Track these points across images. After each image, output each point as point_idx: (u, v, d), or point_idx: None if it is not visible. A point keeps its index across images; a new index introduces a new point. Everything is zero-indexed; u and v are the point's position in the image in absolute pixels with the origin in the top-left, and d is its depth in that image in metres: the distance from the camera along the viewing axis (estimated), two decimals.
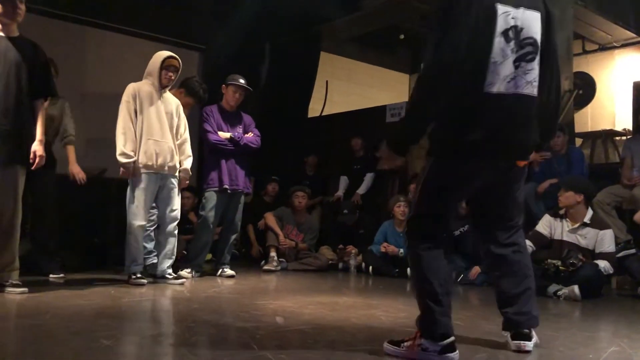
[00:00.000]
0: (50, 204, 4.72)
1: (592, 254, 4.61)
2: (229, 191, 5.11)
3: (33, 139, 3.74)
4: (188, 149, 4.75)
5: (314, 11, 8.19)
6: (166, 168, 4.49)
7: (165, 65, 4.50)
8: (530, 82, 2.36)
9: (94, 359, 2.16)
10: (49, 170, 4.65)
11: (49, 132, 4.56)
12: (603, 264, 4.50)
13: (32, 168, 3.75)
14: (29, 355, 2.13)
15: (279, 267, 6.00)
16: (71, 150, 4.88)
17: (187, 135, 4.75)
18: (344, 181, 7.47)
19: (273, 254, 6.06)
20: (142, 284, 4.29)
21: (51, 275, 4.54)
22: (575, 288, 4.28)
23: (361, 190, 7.13)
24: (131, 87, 4.49)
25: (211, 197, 5.08)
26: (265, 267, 5.94)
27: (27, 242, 4.68)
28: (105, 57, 7.36)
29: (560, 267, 4.46)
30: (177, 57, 4.57)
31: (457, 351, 2.26)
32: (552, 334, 3.04)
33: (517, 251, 2.53)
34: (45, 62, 3.85)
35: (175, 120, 4.63)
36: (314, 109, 9.09)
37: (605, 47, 9.13)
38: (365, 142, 7.37)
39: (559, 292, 4.39)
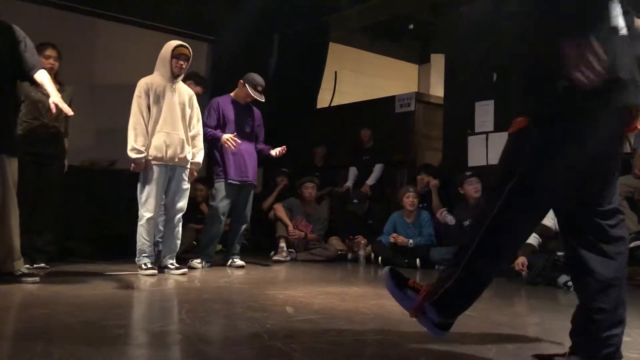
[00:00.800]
0: (55, 193, 4.71)
1: None
2: (237, 183, 5.12)
3: (15, 126, 3.78)
4: (200, 141, 4.72)
5: (322, 1, 8.17)
6: (176, 160, 4.48)
7: (175, 53, 4.45)
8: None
9: (106, 348, 2.18)
10: (58, 161, 4.69)
11: (57, 120, 4.60)
12: None
13: (54, 112, 3.67)
14: (41, 344, 2.14)
15: (288, 258, 6.03)
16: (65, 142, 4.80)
17: (199, 127, 4.72)
18: (353, 172, 7.46)
19: (282, 244, 6.09)
20: (153, 275, 4.31)
21: (35, 265, 4.41)
22: None
23: (370, 181, 7.12)
24: (142, 82, 4.46)
25: (221, 188, 5.10)
26: (275, 257, 5.97)
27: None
28: (115, 49, 7.38)
29: None
30: (187, 45, 4.52)
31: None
32: (563, 323, 3.02)
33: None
34: (22, 42, 3.64)
35: (188, 111, 4.59)
36: (323, 100, 9.07)
37: None
38: (374, 132, 7.35)
39: (569, 283, 4.37)
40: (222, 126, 5.11)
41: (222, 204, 5.10)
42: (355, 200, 6.80)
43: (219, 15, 7.95)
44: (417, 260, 5.69)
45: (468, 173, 5.72)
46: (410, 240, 5.83)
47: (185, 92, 4.63)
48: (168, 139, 4.43)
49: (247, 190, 5.25)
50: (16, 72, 3.68)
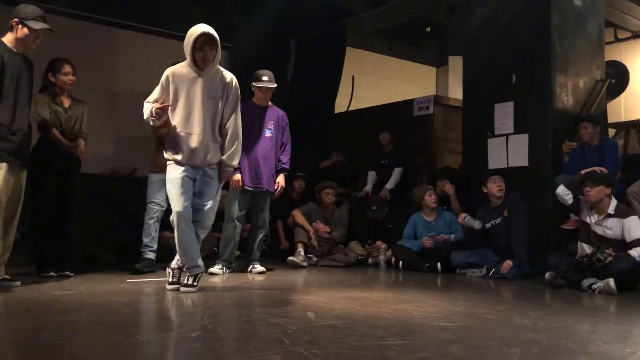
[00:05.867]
0: (74, 202, 4.78)
1: (620, 245, 4.53)
2: (250, 189, 5.10)
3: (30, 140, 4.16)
4: (231, 140, 4.03)
5: (339, 6, 8.18)
6: (198, 162, 3.92)
7: (197, 46, 3.83)
8: None
9: (129, 354, 2.20)
10: (75, 170, 4.77)
11: (72, 130, 4.75)
12: (637, 252, 4.39)
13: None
14: (66, 350, 2.17)
15: (305, 263, 6.01)
16: (81, 142, 4.86)
17: (232, 123, 4.03)
18: (372, 176, 7.44)
19: (300, 248, 6.09)
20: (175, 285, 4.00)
21: (59, 272, 4.53)
22: (611, 281, 4.20)
23: (389, 185, 7.10)
24: (165, 74, 3.93)
25: (233, 193, 5.08)
26: (290, 258, 5.95)
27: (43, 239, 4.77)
28: (134, 58, 7.47)
29: (594, 258, 4.39)
30: (210, 32, 3.84)
31: None
32: (588, 327, 2.99)
33: None
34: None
35: (220, 106, 3.96)
36: (341, 105, 9.07)
37: (638, 35, 8.92)
38: (393, 136, 7.33)
39: (594, 286, 4.31)
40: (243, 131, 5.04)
41: (234, 208, 5.07)
42: (374, 207, 6.78)
43: (236, 21, 8.01)
44: (438, 264, 5.65)
45: (491, 171, 5.67)
46: (452, 235, 5.81)
47: (219, 82, 3.97)
48: (188, 140, 3.87)
49: (262, 196, 5.22)
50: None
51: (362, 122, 8.39)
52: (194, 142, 3.86)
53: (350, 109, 9.12)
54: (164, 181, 4.47)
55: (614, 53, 8.77)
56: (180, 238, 3.85)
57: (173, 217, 3.84)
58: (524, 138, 5.92)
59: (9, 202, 3.82)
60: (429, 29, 9.35)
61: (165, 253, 5.38)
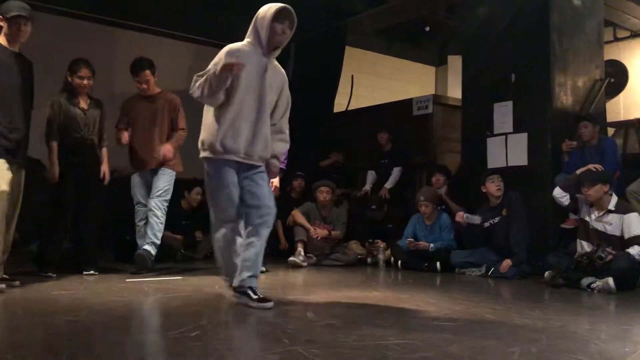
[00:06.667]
0: (93, 201, 4.84)
1: (620, 241, 4.53)
2: None
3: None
4: (281, 132, 3.54)
5: (338, 5, 8.18)
6: (255, 157, 3.35)
7: (279, 18, 3.26)
8: None
9: (129, 354, 2.20)
10: (94, 169, 4.81)
11: (90, 130, 4.79)
12: (635, 249, 4.39)
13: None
14: (66, 349, 2.17)
15: (305, 263, 6.01)
16: (105, 152, 5.00)
17: (283, 111, 3.54)
18: (371, 175, 7.45)
19: (300, 248, 6.09)
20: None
21: (84, 272, 4.64)
22: (610, 280, 4.21)
23: (389, 184, 7.10)
24: (227, 47, 3.30)
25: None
26: (291, 258, 5.95)
27: (62, 239, 4.80)
28: (133, 57, 7.45)
29: (594, 257, 4.40)
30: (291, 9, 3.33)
31: None
32: (587, 327, 2.99)
33: None
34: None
35: (275, 96, 3.46)
36: (340, 104, 9.07)
37: (637, 34, 8.93)
38: (392, 135, 7.33)
39: (593, 285, 4.31)
40: None
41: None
42: (373, 207, 6.78)
43: (237, 22, 7.99)
44: (437, 263, 5.65)
45: (489, 170, 5.67)
46: (432, 245, 5.80)
47: (279, 71, 3.50)
48: (245, 131, 3.29)
49: None
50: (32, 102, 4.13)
51: (361, 121, 8.39)
52: (247, 132, 3.29)
53: (349, 108, 9.13)
54: (139, 183, 4.83)
55: (613, 52, 8.77)
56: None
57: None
58: (523, 137, 5.92)
59: (8, 201, 3.83)
60: (428, 29, 9.35)
61: (164, 253, 5.39)
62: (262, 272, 5.12)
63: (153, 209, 4.89)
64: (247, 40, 3.35)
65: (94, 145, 4.85)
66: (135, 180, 5.10)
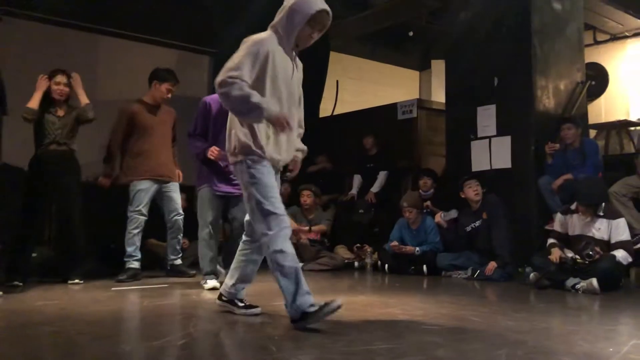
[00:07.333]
0: (74, 209, 4.80)
1: (608, 245, 4.58)
2: (220, 194, 4.45)
3: None
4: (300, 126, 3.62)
5: None
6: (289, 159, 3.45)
7: (318, 18, 3.07)
8: None
9: None
10: (73, 176, 4.77)
11: (66, 137, 4.77)
12: (620, 253, 4.44)
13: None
14: None
15: None
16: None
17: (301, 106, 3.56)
18: (357, 180, 7.46)
19: None
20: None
21: (69, 281, 4.60)
22: (594, 281, 4.24)
23: (375, 188, 7.12)
24: (261, 45, 3.01)
25: (204, 196, 4.46)
26: None
27: (46, 249, 4.76)
28: (116, 64, 7.42)
29: (578, 260, 4.44)
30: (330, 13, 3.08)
31: None
32: (572, 328, 3.02)
33: None
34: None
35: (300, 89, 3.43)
36: (325, 109, 9.08)
37: (616, 37, 9.05)
38: (376, 140, 7.36)
39: (577, 286, 4.35)
40: (213, 132, 4.45)
41: (206, 212, 4.46)
42: (361, 210, 6.82)
43: (219, 27, 7.99)
44: (424, 266, 5.68)
45: (466, 176, 5.71)
46: (417, 249, 5.82)
47: (300, 67, 3.44)
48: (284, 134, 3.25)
49: (236, 200, 4.40)
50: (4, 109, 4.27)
51: (347, 126, 8.41)
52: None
53: (334, 113, 9.14)
54: (146, 190, 4.59)
55: (593, 55, 8.87)
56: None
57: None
58: (507, 140, 5.97)
59: None
60: (411, 34, 9.39)
61: (152, 260, 5.36)
62: None
63: (181, 226, 5.26)
64: (273, 29, 3.11)
65: (70, 151, 4.81)
66: (143, 186, 5.09)
